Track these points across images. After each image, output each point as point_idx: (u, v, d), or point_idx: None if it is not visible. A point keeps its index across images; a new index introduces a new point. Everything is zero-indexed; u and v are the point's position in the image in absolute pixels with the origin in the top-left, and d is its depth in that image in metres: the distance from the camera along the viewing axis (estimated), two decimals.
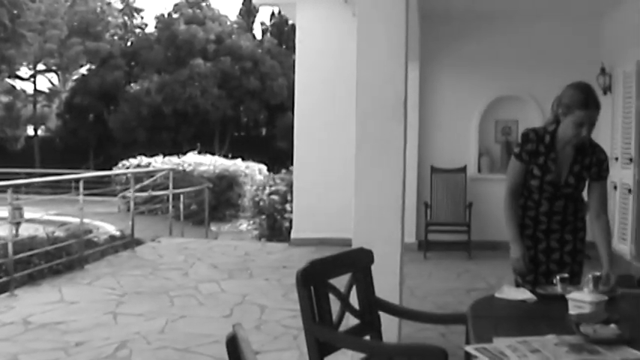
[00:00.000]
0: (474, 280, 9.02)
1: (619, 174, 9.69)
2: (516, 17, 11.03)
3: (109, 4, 40.67)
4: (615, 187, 9.76)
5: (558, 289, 3.65)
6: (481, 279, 9.00)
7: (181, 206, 14.94)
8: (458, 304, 7.34)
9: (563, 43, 11.02)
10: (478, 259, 10.28)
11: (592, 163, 4.14)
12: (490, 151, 11.57)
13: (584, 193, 4.25)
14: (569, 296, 3.30)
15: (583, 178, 4.18)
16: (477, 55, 11.29)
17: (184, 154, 22.98)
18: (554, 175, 4.14)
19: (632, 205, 9.50)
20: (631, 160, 9.49)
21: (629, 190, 9.54)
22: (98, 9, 39.73)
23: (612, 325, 2.91)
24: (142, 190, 16.73)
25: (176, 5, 38.54)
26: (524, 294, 3.67)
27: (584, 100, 3.95)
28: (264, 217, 14.97)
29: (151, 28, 40.37)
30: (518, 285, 4.17)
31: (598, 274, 3.72)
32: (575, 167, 4.14)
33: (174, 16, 38.10)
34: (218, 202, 19.42)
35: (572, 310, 3.23)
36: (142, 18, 42.63)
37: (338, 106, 10.97)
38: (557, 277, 3.72)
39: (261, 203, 15.11)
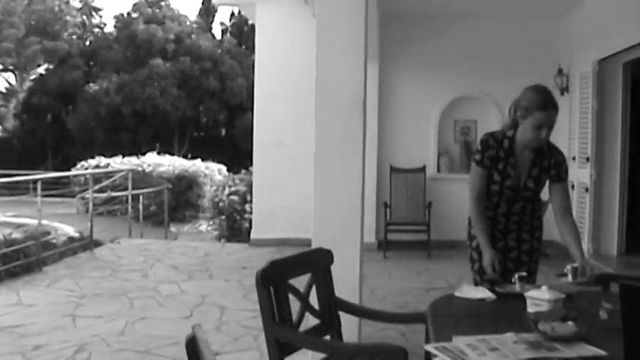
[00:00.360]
0: (433, 279, 9.07)
1: (576, 173, 9.80)
2: (475, 18, 11.13)
3: (67, 2, 40.13)
4: (573, 187, 9.86)
5: (517, 287, 3.67)
6: (440, 278, 9.05)
7: (141, 207, 14.86)
8: (418, 304, 7.39)
9: (521, 44, 11.15)
10: (437, 259, 10.33)
11: (550, 165, 4.17)
12: (449, 151, 11.64)
13: (543, 193, 4.28)
14: (527, 294, 3.32)
15: (542, 181, 4.21)
16: (436, 56, 11.37)
17: (143, 154, 22.84)
18: (513, 180, 4.16)
19: (589, 204, 9.64)
20: (588, 159, 9.62)
21: (587, 189, 9.67)
22: (56, 8, 39.20)
23: (569, 323, 2.94)
24: (100, 190, 16.61)
25: (135, 5, 38.20)
26: (483, 293, 3.69)
27: (543, 102, 3.98)
28: (223, 217, 14.91)
29: (109, 28, 39.98)
30: (477, 284, 4.20)
31: (576, 265, 3.76)
32: (533, 171, 4.17)
33: (134, 15, 37.78)
34: (177, 202, 19.34)
35: (531, 308, 3.25)
36: (100, 17, 42.19)
37: (297, 106, 10.96)
38: (516, 276, 3.74)
39: (221, 204, 15.06)
